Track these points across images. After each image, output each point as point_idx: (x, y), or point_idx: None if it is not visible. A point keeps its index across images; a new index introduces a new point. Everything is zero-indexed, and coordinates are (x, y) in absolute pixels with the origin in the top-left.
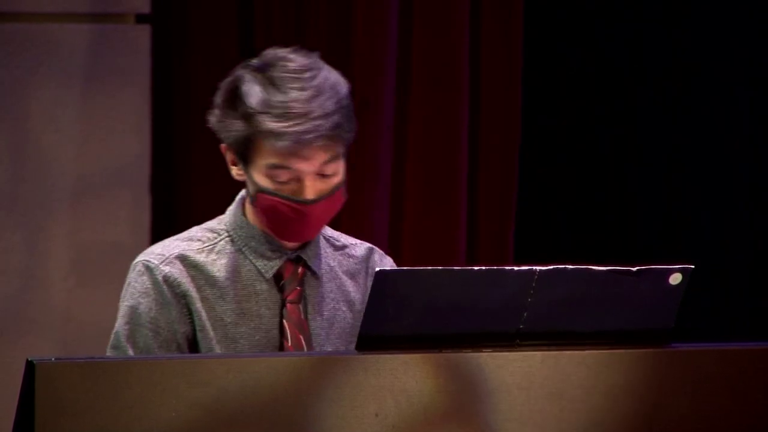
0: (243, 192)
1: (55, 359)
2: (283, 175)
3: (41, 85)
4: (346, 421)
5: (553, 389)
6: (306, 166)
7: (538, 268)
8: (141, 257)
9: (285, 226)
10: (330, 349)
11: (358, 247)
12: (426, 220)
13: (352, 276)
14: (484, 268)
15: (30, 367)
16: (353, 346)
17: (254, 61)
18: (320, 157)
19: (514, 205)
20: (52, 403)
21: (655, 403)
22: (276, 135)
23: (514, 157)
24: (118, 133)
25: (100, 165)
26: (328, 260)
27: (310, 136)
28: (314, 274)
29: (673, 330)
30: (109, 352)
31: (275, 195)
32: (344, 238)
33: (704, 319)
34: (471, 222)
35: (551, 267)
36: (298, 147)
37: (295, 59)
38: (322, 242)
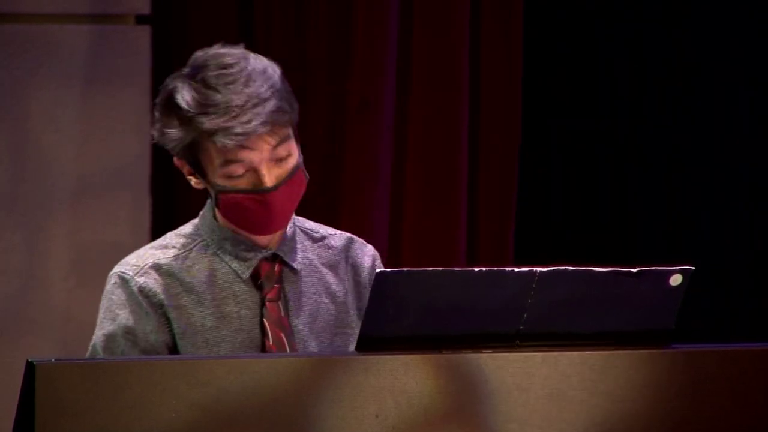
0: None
1: (55, 360)
2: (238, 169)
3: (41, 85)
4: (346, 422)
5: (553, 390)
6: (256, 156)
7: (538, 269)
8: (116, 269)
9: (253, 220)
10: (313, 344)
11: (337, 237)
12: (426, 221)
13: (331, 267)
14: (484, 269)
15: (30, 368)
16: (338, 338)
17: (184, 69)
18: (268, 142)
19: (514, 205)
20: (53, 404)
21: (655, 404)
22: (218, 132)
23: (514, 158)
24: (118, 134)
25: (100, 165)
26: (307, 253)
27: (252, 124)
28: (292, 269)
29: (674, 331)
30: None
31: (235, 191)
32: (323, 229)
33: (704, 320)
34: (471, 222)
35: (551, 268)
36: (243, 138)
37: (222, 55)
38: (300, 235)
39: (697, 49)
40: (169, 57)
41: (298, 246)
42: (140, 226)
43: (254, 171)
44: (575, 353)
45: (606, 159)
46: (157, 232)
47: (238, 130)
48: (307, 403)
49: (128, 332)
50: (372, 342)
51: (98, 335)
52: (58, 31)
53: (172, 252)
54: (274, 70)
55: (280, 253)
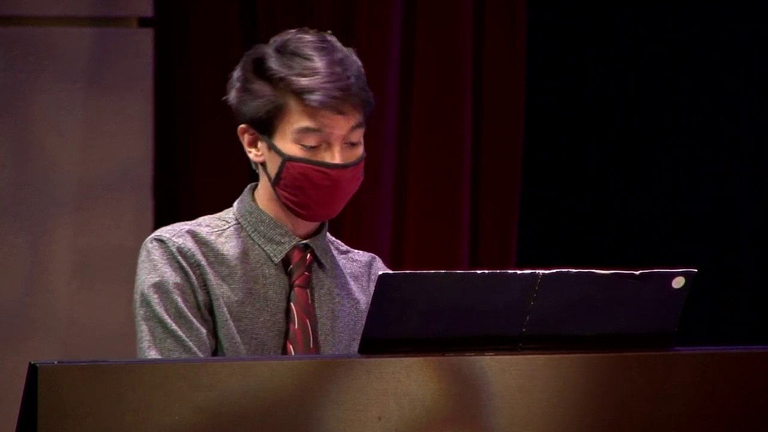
0: (251, 184)
1: (58, 362)
2: (313, 139)
3: (44, 88)
4: (348, 425)
5: (555, 393)
6: (337, 128)
7: (540, 271)
8: (150, 236)
9: (314, 195)
10: (332, 341)
11: (361, 254)
12: (428, 225)
13: (355, 278)
14: (486, 271)
15: (33, 370)
16: (355, 343)
17: (269, 44)
18: (351, 118)
19: (517, 208)
20: (55, 407)
21: (657, 407)
22: (309, 91)
23: (516, 161)
24: (121, 137)
25: (103, 168)
26: (334, 258)
27: (342, 93)
28: (321, 265)
29: (676, 333)
30: (143, 325)
31: (306, 161)
32: (347, 246)
33: (707, 323)
34: (473, 226)
35: (554, 270)
36: (332, 102)
37: (307, 32)
38: (328, 242)
39: (698, 50)
40: (172, 60)
41: (328, 248)
42: (143, 229)
43: (327, 146)
44: (578, 356)
45: (608, 161)
46: None
47: (327, 93)
48: (310, 406)
49: (177, 287)
50: (374, 344)
51: (149, 293)
52: (61, 34)
53: (206, 229)
54: (357, 59)
55: (313, 246)
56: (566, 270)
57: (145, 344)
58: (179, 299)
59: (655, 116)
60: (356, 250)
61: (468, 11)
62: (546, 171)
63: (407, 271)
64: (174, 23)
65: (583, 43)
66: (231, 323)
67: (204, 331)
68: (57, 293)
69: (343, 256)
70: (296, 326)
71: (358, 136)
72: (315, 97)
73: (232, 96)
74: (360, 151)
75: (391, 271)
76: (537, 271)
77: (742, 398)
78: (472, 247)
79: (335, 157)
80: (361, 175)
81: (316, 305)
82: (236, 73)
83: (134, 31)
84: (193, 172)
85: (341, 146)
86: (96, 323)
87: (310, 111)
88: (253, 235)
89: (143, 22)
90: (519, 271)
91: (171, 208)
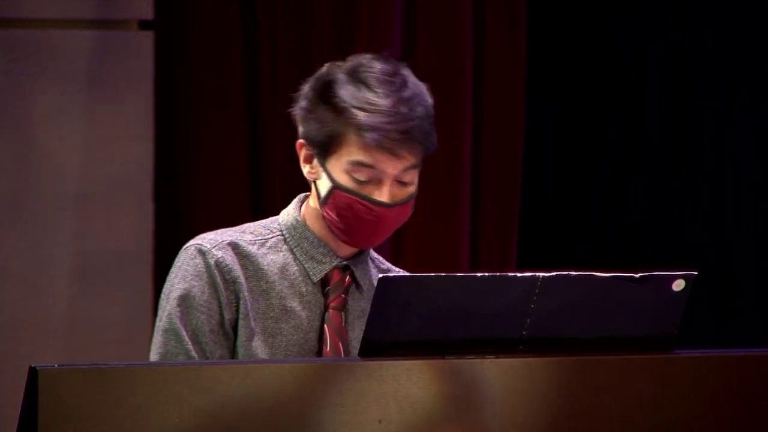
0: (301, 195)
1: (58, 366)
2: (364, 174)
3: (44, 91)
4: (349, 428)
5: (555, 395)
6: (391, 167)
7: (541, 274)
8: (193, 242)
9: (356, 227)
10: None
11: (399, 272)
12: (429, 228)
13: None
14: (487, 274)
15: (33, 373)
16: None
17: (343, 65)
18: (405, 160)
19: (518, 211)
20: (55, 410)
21: (657, 410)
22: (368, 129)
23: (517, 162)
24: (122, 140)
25: (103, 172)
26: (373, 278)
27: (402, 135)
28: (359, 286)
29: (676, 336)
30: (159, 336)
31: (353, 193)
32: (388, 264)
33: (707, 325)
34: (474, 229)
35: (554, 273)
36: (389, 143)
37: (384, 61)
38: (369, 261)
39: (698, 51)
40: (172, 63)
41: (368, 269)
42: (144, 233)
43: (377, 182)
44: (578, 359)
45: (609, 163)
46: (160, 239)
47: (385, 134)
48: (310, 409)
49: (204, 304)
50: (375, 347)
51: (172, 305)
52: (62, 37)
53: (249, 237)
54: (429, 97)
55: (353, 267)
56: (567, 273)
57: (157, 356)
58: (202, 317)
59: (655, 117)
60: (396, 269)
61: (468, 11)
62: (547, 173)
63: (408, 274)
64: (174, 26)
65: (583, 43)
66: (259, 340)
67: (218, 353)
68: (57, 297)
69: (382, 274)
70: (328, 348)
71: (411, 176)
72: (372, 136)
73: (297, 110)
74: (411, 189)
75: (391, 274)
76: (537, 274)
77: (743, 401)
78: (473, 250)
79: (383, 194)
80: (411, 210)
81: (349, 328)
82: (305, 90)
83: (135, 33)
84: (194, 175)
85: (391, 184)
86: (96, 326)
87: (366, 147)
88: (295, 249)
89: (144, 24)
90: (519, 274)
91: (172, 211)
